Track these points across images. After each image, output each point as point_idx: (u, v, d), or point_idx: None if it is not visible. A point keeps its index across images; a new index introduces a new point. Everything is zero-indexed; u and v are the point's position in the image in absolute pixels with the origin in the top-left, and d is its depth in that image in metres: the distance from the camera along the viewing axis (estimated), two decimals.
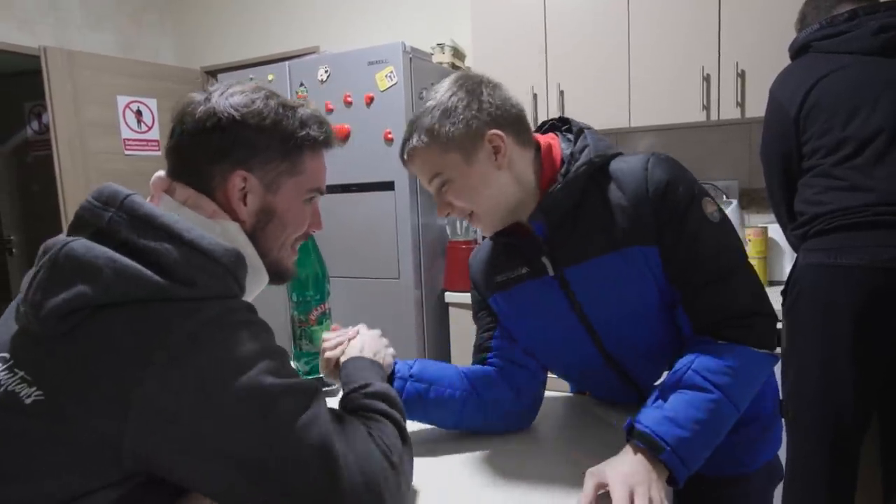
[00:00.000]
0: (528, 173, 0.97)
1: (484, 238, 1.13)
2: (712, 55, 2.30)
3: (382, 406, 0.80)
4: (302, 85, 2.69)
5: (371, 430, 0.74)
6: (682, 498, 0.95)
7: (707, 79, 2.31)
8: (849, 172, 1.48)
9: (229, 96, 0.77)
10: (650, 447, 0.81)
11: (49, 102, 3.20)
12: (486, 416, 1.05)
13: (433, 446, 1.02)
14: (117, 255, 0.64)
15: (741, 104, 2.28)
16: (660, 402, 0.86)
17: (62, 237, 0.67)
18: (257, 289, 0.81)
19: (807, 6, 1.75)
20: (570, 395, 1.26)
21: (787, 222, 1.70)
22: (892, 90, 1.48)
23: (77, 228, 0.69)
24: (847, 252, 1.45)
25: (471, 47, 2.80)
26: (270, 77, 2.78)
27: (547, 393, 1.14)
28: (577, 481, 0.83)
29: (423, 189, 2.56)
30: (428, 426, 1.08)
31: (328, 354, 0.98)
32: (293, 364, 1.38)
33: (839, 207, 1.48)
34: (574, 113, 2.48)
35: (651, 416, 0.84)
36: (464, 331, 2.61)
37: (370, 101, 2.52)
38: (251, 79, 2.80)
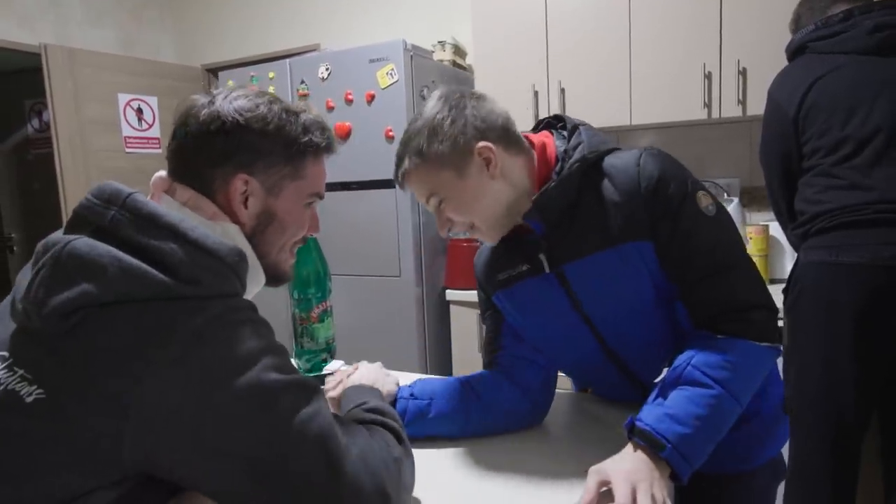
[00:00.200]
0: (523, 177, 0.98)
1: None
2: (713, 53, 2.30)
3: (379, 418, 0.81)
4: (303, 82, 2.69)
5: (371, 433, 0.75)
6: (685, 495, 0.95)
7: (708, 76, 2.31)
8: (848, 172, 1.48)
9: (233, 100, 0.77)
10: (651, 445, 0.81)
11: (50, 100, 3.20)
12: (493, 419, 1.05)
13: (435, 444, 1.02)
14: (121, 254, 0.63)
15: (742, 102, 2.28)
16: (660, 399, 0.86)
17: (61, 235, 0.67)
18: (254, 290, 0.82)
19: (801, 7, 1.75)
20: (573, 392, 1.26)
21: (787, 222, 1.70)
22: (890, 89, 1.48)
23: (75, 226, 0.69)
24: (848, 250, 1.44)
25: (472, 45, 2.80)
26: (271, 74, 2.78)
27: (557, 391, 1.14)
28: (579, 479, 0.83)
29: None
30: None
31: (330, 394, 0.99)
32: (294, 362, 1.38)
33: (839, 206, 1.48)
34: (575, 111, 2.48)
35: (651, 414, 0.84)
36: (465, 328, 2.61)
37: (371, 98, 2.51)
38: (252, 77, 2.80)
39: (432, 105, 0.96)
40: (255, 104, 0.77)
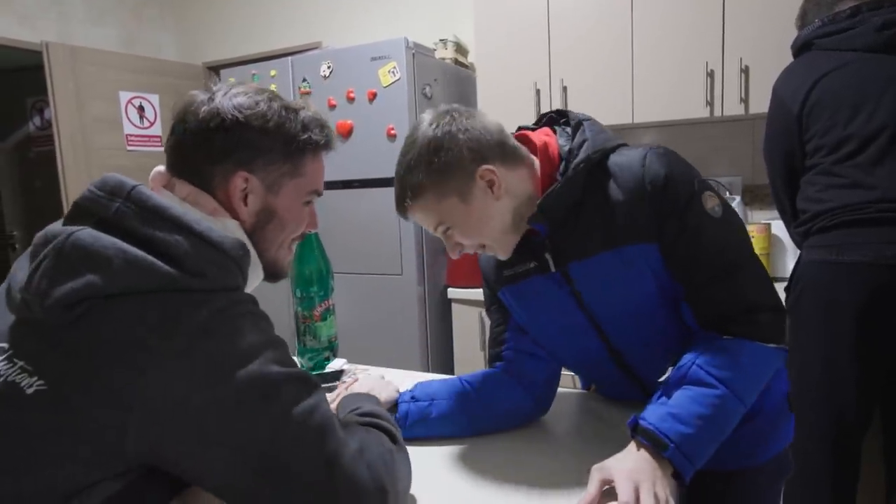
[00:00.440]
0: (526, 186, 0.97)
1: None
2: (716, 51, 2.30)
3: (373, 420, 0.82)
4: (304, 80, 2.69)
5: (367, 431, 0.76)
6: (690, 491, 0.95)
7: (711, 74, 2.31)
8: (850, 170, 1.48)
9: (233, 97, 0.77)
10: (654, 444, 0.82)
11: (51, 98, 3.20)
12: (495, 417, 1.06)
13: (436, 443, 1.02)
14: (126, 245, 0.63)
15: (745, 100, 2.27)
16: (664, 398, 0.86)
17: (61, 226, 0.67)
18: (253, 285, 0.82)
19: (807, 3, 1.74)
20: (576, 391, 1.26)
21: (790, 220, 1.69)
22: None
23: (77, 218, 0.68)
24: (850, 249, 1.44)
25: (473, 43, 2.79)
26: (273, 72, 2.78)
27: (560, 389, 1.14)
28: (581, 477, 0.83)
29: None
30: None
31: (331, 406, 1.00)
32: (297, 360, 1.38)
33: (840, 204, 1.47)
34: (577, 108, 2.47)
35: (655, 413, 0.84)
36: (466, 327, 2.61)
37: (373, 96, 2.51)
38: (253, 75, 2.80)
39: (423, 133, 0.93)
40: (255, 101, 0.77)
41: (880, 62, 1.50)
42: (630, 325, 0.98)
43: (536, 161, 0.99)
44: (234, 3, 3.85)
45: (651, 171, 0.91)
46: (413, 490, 0.83)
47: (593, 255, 0.95)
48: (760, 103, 2.20)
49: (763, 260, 2.26)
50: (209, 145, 0.76)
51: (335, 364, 1.36)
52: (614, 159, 0.96)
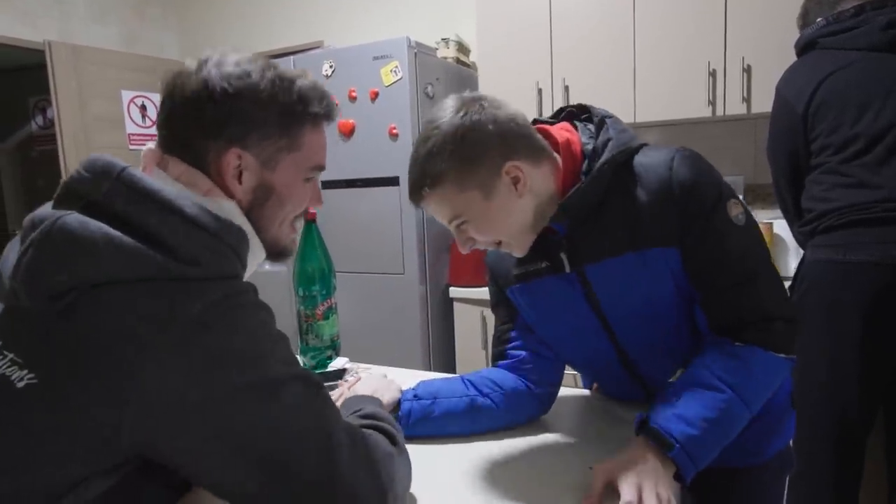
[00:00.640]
0: (549, 184, 0.93)
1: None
2: (718, 50, 2.29)
3: (373, 422, 0.79)
4: None
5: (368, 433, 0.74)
6: (694, 489, 0.95)
7: (713, 74, 2.30)
8: (857, 169, 1.48)
9: (223, 66, 0.72)
10: (660, 444, 0.81)
11: (54, 97, 3.21)
12: (498, 415, 1.05)
13: (439, 441, 1.02)
14: (115, 231, 0.60)
15: (747, 99, 2.27)
16: (672, 399, 0.86)
17: (49, 210, 0.63)
18: (253, 266, 0.78)
19: (809, 1, 1.74)
20: (579, 390, 1.26)
21: (794, 219, 1.69)
22: None
23: (65, 201, 0.64)
24: (856, 248, 1.44)
25: (475, 42, 2.79)
26: None
27: (563, 390, 1.14)
28: (585, 476, 0.83)
29: None
30: None
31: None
32: (299, 359, 1.38)
33: (847, 204, 1.47)
34: None
35: (662, 413, 0.84)
36: (469, 326, 2.61)
37: (375, 96, 2.51)
38: None
39: (450, 120, 0.88)
40: (247, 71, 0.72)
41: (885, 61, 1.50)
42: (641, 327, 0.97)
43: (558, 158, 0.95)
44: (236, 3, 3.85)
45: (679, 175, 0.89)
46: (413, 490, 0.82)
47: (613, 256, 0.92)
48: (762, 103, 2.20)
49: None
50: (200, 119, 0.71)
51: (337, 363, 1.36)
52: (639, 160, 0.93)
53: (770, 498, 1.11)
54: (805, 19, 1.73)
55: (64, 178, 0.67)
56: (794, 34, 1.74)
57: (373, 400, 0.92)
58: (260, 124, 0.73)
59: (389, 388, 1.03)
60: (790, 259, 2.32)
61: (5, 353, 0.61)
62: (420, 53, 2.52)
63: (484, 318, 2.53)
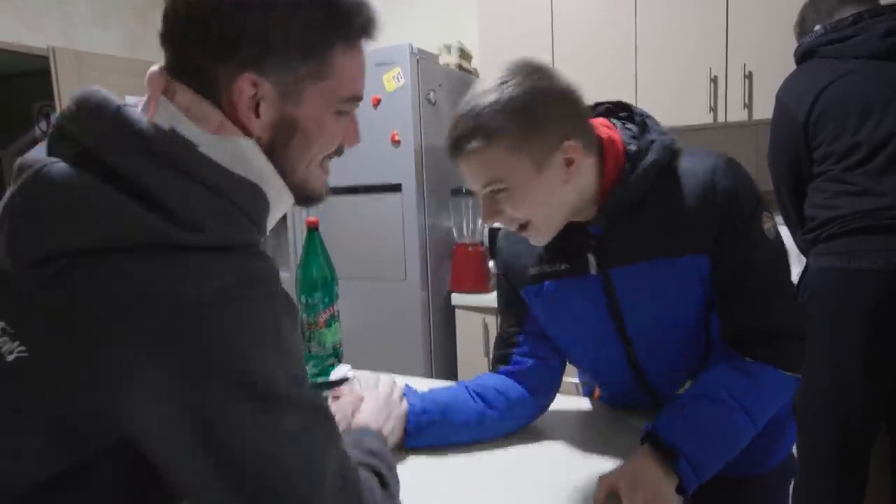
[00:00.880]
0: (591, 179, 0.90)
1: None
2: (719, 56, 2.30)
3: (372, 461, 0.73)
4: None
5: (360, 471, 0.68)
6: (697, 499, 0.94)
7: (714, 80, 2.31)
8: (860, 177, 1.48)
9: None
10: (665, 455, 0.81)
11: (58, 102, 3.22)
12: (502, 423, 1.04)
13: (442, 451, 1.01)
14: (104, 188, 0.52)
15: (748, 106, 2.27)
16: (680, 411, 0.86)
17: (37, 156, 0.56)
18: (280, 213, 0.68)
19: (807, 9, 1.75)
20: (581, 399, 1.25)
21: (796, 226, 1.69)
22: None
23: (58, 142, 0.57)
24: (860, 255, 1.44)
25: (478, 48, 2.80)
26: None
27: (560, 397, 1.14)
28: (588, 485, 0.83)
29: (430, 191, 2.57)
30: None
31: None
32: None
33: (851, 211, 1.47)
34: None
35: (670, 425, 0.84)
36: (470, 333, 2.61)
37: (377, 102, 2.52)
38: None
39: (520, 80, 0.83)
40: None
41: (884, 69, 1.51)
42: (658, 335, 0.96)
43: (604, 155, 0.92)
44: None
45: (723, 182, 0.88)
46: (417, 502, 0.82)
47: (644, 260, 0.90)
48: (764, 109, 2.20)
49: None
50: (205, 35, 0.59)
51: (340, 370, 1.35)
52: (680, 163, 0.92)
53: None
54: (802, 27, 1.74)
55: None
56: (795, 41, 1.74)
57: (378, 437, 0.85)
58: (279, 44, 0.60)
59: (395, 410, 0.97)
60: (792, 266, 2.32)
61: None
62: (422, 60, 2.52)
63: (486, 325, 2.53)
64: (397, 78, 2.47)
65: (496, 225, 0.91)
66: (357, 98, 0.68)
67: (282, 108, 0.62)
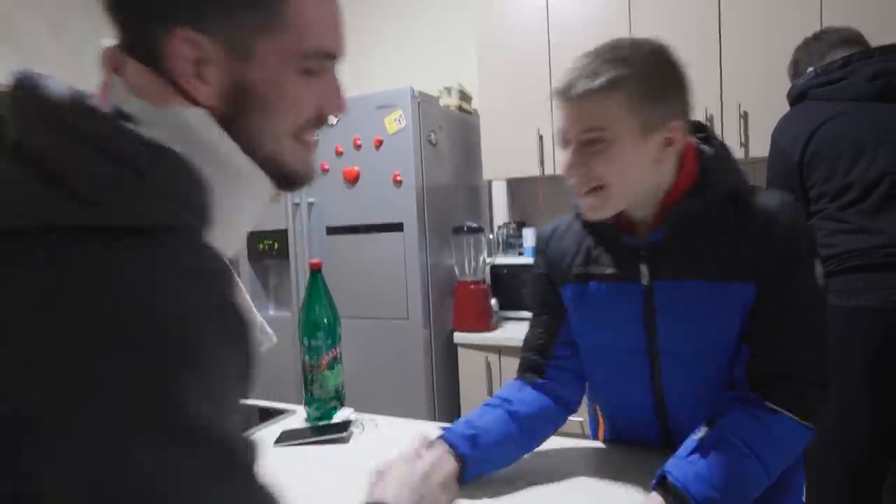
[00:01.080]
0: (668, 177, 0.92)
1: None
2: (715, 97, 2.34)
3: None
4: None
5: None
6: None
7: (710, 120, 2.35)
8: (855, 216, 1.50)
9: None
10: (678, 501, 0.80)
11: None
12: (535, 440, 1.06)
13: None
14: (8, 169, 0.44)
15: (745, 145, 2.31)
16: (695, 457, 0.84)
17: None
18: (255, 201, 0.58)
19: (799, 52, 1.79)
20: (595, 442, 1.22)
21: None
22: (892, 135, 1.50)
23: None
24: (858, 294, 1.44)
25: (477, 89, 2.86)
26: None
27: (567, 439, 1.13)
28: None
29: (431, 229, 2.59)
30: None
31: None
32: (304, 410, 1.37)
33: (848, 249, 1.48)
34: None
35: (684, 471, 0.83)
36: (473, 371, 2.60)
37: (379, 144, 2.56)
38: None
39: (660, 46, 0.87)
40: None
41: (874, 111, 1.54)
42: (687, 356, 0.95)
43: (683, 164, 0.93)
44: None
45: (789, 216, 0.90)
46: None
47: (691, 279, 0.91)
48: (760, 148, 2.23)
49: None
50: None
51: (342, 414, 1.35)
52: (750, 193, 0.94)
53: None
54: (796, 68, 1.78)
55: None
56: (789, 81, 1.78)
57: None
58: None
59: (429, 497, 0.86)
60: None
61: None
62: (423, 102, 2.57)
63: (488, 364, 2.52)
64: (399, 120, 2.52)
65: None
66: (329, 54, 0.59)
67: (232, 71, 0.52)
